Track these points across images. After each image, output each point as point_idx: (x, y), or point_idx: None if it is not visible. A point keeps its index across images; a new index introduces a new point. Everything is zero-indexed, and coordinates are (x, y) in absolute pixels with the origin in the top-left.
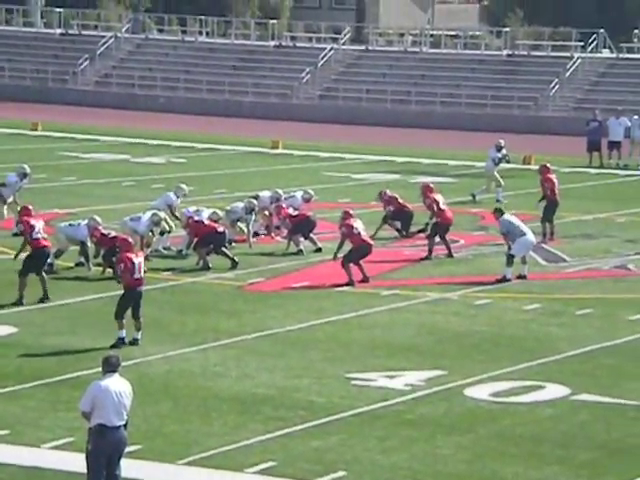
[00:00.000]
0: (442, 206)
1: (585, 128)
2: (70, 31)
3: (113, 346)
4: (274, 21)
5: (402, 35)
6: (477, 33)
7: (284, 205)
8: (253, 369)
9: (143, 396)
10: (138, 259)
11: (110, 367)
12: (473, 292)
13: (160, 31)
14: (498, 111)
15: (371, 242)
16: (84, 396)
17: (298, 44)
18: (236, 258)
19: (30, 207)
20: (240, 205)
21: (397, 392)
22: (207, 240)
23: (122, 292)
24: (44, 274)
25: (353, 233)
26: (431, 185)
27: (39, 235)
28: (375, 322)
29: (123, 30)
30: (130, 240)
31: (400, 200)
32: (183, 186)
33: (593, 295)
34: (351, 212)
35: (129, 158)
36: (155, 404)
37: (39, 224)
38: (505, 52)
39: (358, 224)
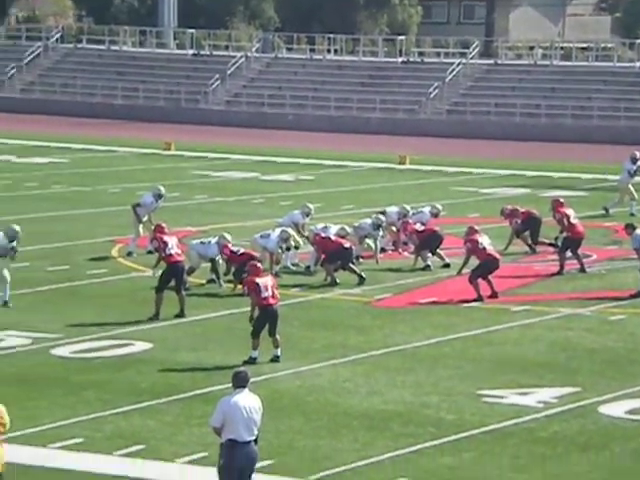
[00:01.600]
0: (573, 220)
1: None
2: (202, 52)
3: (246, 362)
4: (402, 37)
5: (532, 48)
6: (609, 45)
7: (411, 221)
8: (382, 385)
9: (274, 411)
10: (263, 279)
11: (240, 382)
12: (607, 308)
13: (289, 50)
14: (631, 123)
15: (498, 256)
16: (214, 412)
17: (426, 59)
18: (363, 274)
19: (164, 224)
20: (368, 221)
21: (529, 409)
22: (334, 256)
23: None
24: (183, 293)
25: (478, 248)
26: (561, 199)
27: (172, 251)
28: (506, 338)
29: (253, 50)
30: (259, 265)
31: (522, 209)
32: (309, 205)
33: None
34: (476, 227)
35: (258, 176)
36: (286, 419)
37: (172, 240)
38: (638, 64)
39: (484, 239)
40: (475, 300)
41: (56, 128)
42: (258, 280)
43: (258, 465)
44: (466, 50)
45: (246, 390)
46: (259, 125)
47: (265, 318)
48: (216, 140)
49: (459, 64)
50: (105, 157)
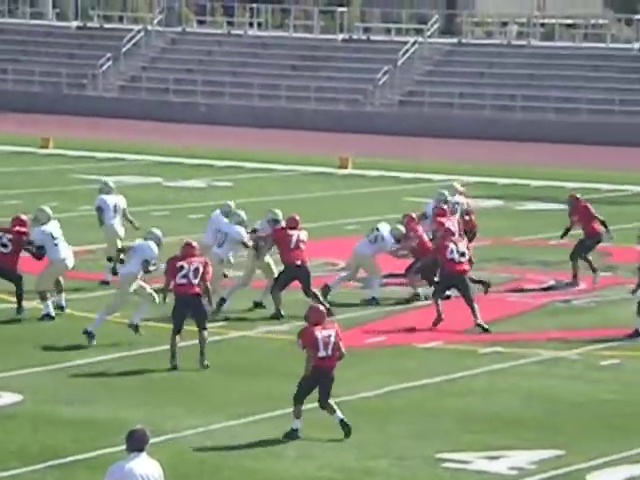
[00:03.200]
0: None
1: None
2: (89, 24)
3: (286, 436)
4: (343, 9)
5: (505, 25)
6: (601, 22)
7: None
8: (316, 447)
9: None
10: (322, 332)
11: (136, 445)
12: (597, 350)
13: (201, 23)
14: (628, 119)
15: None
16: None
17: (373, 37)
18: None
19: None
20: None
21: (500, 478)
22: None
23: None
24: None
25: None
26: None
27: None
28: (472, 388)
29: (155, 22)
30: (321, 309)
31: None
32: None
33: None
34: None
35: (161, 181)
36: None
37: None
38: (637, 45)
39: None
40: (435, 323)
41: None
42: (317, 332)
43: None
44: (423, 26)
45: (144, 454)
46: (162, 117)
47: (316, 380)
48: (107, 136)
49: (414, 43)
50: None
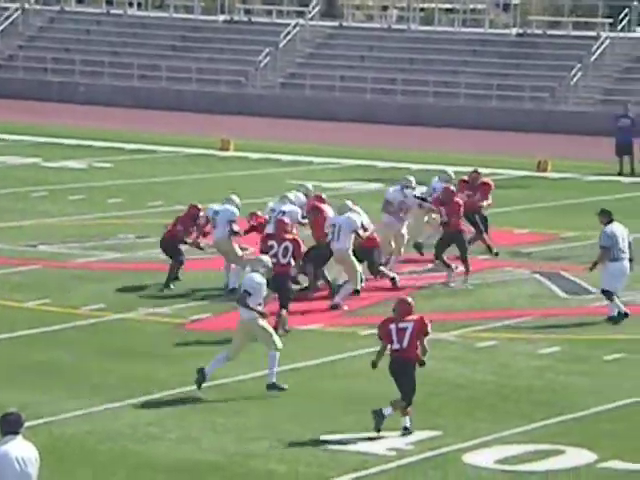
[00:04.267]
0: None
1: (614, 126)
2: None
3: (404, 432)
4: None
5: (385, 8)
6: (479, 6)
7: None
8: (197, 430)
9: (55, 464)
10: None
11: (11, 427)
12: (474, 332)
13: (80, 2)
14: (505, 104)
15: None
16: None
17: (254, 19)
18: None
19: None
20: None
21: (379, 458)
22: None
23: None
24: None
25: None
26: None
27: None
28: (352, 370)
29: (32, 0)
30: (409, 301)
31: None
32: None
33: (626, 336)
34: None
35: (39, 162)
36: (71, 474)
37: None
38: (514, 31)
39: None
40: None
41: None
42: (390, 325)
43: None
44: (304, 9)
45: (19, 437)
46: (41, 97)
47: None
48: None
49: (296, 26)
50: None
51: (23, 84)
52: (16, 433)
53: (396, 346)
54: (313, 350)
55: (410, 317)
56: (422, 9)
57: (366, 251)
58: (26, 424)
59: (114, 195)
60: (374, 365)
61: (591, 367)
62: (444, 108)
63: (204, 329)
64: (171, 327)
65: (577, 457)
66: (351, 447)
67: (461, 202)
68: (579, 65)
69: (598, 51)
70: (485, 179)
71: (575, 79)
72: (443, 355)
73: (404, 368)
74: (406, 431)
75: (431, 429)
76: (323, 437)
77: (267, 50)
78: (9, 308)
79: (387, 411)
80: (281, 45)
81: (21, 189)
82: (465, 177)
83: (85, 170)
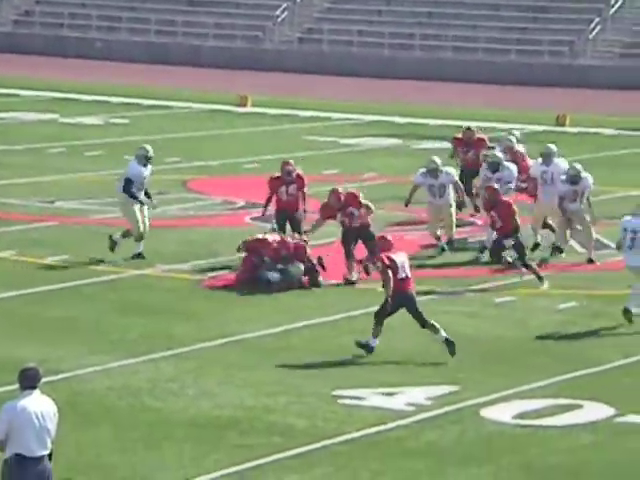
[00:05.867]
0: None
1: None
2: None
3: (361, 346)
4: None
5: None
6: None
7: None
8: (215, 385)
9: (75, 419)
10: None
11: (29, 382)
12: (493, 287)
13: None
14: (524, 58)
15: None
16: None
17: None
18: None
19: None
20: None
21: (397, 414)
22: None
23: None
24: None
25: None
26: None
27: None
28: (368, 325)
29: None
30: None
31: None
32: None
33: None
34: (340, 190)
35: (57, 118)
36: (90, 430)
37: None
38: None
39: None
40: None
41: None
42: (394, 257)
43: None
44: None
45: (37, 392)
46: (57, 53)
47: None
48: (0, 71)
49: None
50: None
51: (40, 40)
52: (34, 388)
53: (401, 275)
54: (331, 306)
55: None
56: None
57: None
58: (46, 379)
59: (131, 151)
60: (387, 294)
61: (610, 322)
62: (462, 63)
63: (222, 286)
64: (189, 283)
65: (595, 411)
66: (368, 402)
67: (511, 201)
68: (598, 19)
69: (617, 4)
70: (480, 135)
71: (594, 33)
72: (462, 310)
73: (409, 294)
74: (450, 344)
75: (449, 384)
76: (341, 392)
77: (284, 5)
78: (28, 264)
79: (373, 342)
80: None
81: (38, 145)
82: (459, 134)
83: (102, 126)
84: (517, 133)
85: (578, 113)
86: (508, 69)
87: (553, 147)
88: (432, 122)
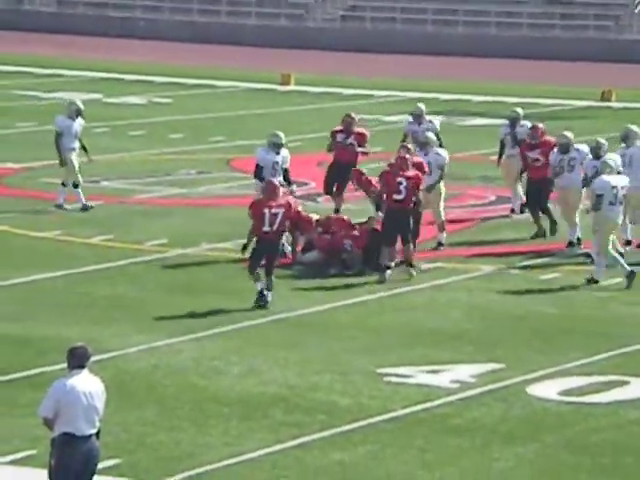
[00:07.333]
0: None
1: None
2: None
3: (256, 301)
4: None
5: None
6: None
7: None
8: (260, 363)
9: (121, 398)
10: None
11: (77, 361)
12: (537, 264)
13: None
14: (569, 33)
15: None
16: (45, 399)
17: None
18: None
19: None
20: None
21: (442, 391)
22: None
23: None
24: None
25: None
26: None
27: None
28: (413, 303)
29: None
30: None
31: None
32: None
33: None
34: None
35: (101, 98)
36: (137, 408)
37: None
38: None
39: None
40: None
41: None
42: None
43: (100, 465)
44: None
45: (85, 371)
46: (101, 33)
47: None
48: (45, 51)
49: None
50: None
51: (84, 19)
52: (82, 367)
53: (266, 229)
54: (374, 284)
55: (280, 202)
56: None
57: None
58: (93, 359)
59: (175, 131)
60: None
61: None
62: (506, 38)
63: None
64: (234, 262)
65: None
66: (414, 380)
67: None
68: None
69: None
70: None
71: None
72: (505, 288)
73: (273, 246)
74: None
75: (494, 362)
76: (385, 370)
77: None
78: (73, 244)
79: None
80: None
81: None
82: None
83: (145, 106)
84: (520, 110)
85: (624, 88)
86: (552, 44)
87: (635, 128)
88: (475, 98)
